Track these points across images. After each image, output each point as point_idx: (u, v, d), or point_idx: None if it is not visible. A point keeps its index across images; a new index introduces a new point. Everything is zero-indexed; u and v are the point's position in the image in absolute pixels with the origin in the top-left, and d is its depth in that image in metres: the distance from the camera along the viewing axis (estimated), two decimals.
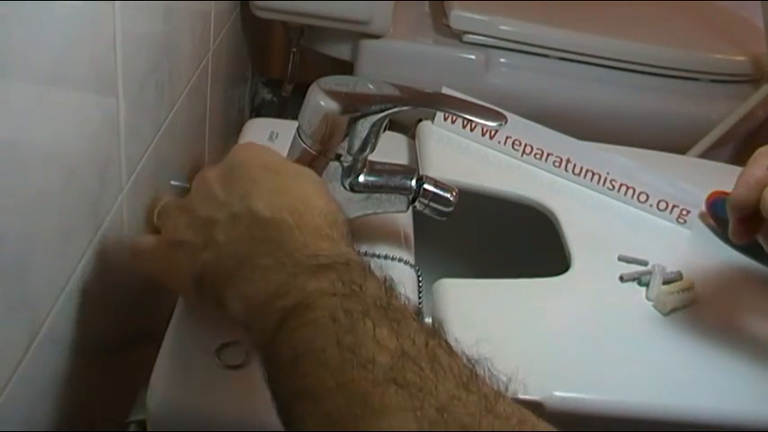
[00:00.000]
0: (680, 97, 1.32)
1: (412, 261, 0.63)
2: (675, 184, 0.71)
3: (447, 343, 0.36)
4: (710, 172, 0.83)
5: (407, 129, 0.84)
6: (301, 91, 0.57)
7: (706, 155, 1.28)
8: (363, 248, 0.61)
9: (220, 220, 0.43)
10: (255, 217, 0.42)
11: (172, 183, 0.77)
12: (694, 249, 0.70)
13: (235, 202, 0.43)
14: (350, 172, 0.57)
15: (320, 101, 0.53)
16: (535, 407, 0.49)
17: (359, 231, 0.62)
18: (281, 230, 0.41)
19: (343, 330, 0.35)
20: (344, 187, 0.57)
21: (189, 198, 0.47)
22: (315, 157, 0.54)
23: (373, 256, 0.61)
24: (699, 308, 0.61)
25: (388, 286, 0.39)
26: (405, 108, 0.54)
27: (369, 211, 0.59)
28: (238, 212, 0.43)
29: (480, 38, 1.28)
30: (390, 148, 0.74)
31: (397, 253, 0.62)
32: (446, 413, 0.31)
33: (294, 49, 1.35)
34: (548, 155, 0.76)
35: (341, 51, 1.30)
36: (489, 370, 0.36)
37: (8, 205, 0.39)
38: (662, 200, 0.72)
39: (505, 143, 0.78)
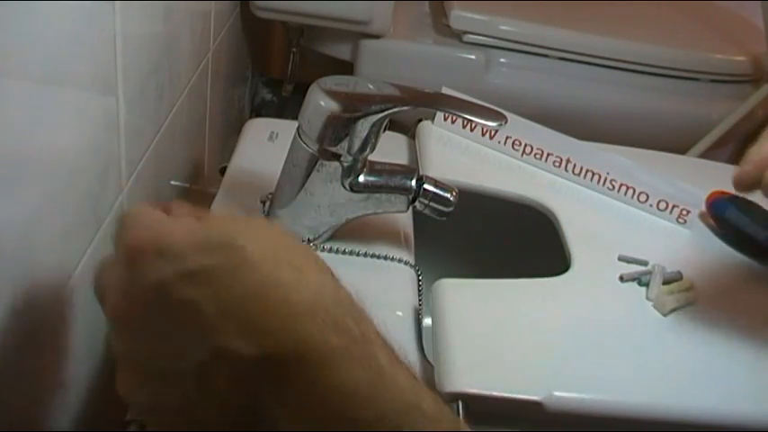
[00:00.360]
0: (680, 97, 1.32)
1: (412, 261, 0.63)
2: (675, 184, 0.71)
3: None
4: (710, 172, 0.83)
5: (407, 129, 0.84)
6: (301, 91, 0.57)
7: (706, 155, 1.28)
8: (363, 248, 0.61)
9: (188, 374, 0.29)
10: (237, 362, 0.28)
11: (172, 183, 0.77)
12: (694, 249, 0.70)
13: (193, 347, 0.29)
14: (350, 172, 0.57)
15: (320, 101, 0.53)
16: (535, 407, 0.49)
17: (359, 231, 0.62)
18: (287, 368, 0.28)
19: None
20: (344, 187, 0.57)
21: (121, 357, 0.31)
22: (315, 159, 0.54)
23: (373, 256, 0.61)
24: (699, 308, 0.61)
25: None
26: (405, 108, 0.54)
27: (369, 211, 0.59)
28: (206, 362, 0.29)
29: (480, 38, 1.27)
30: (390, 148, 0.74)
31: (397, 253, 0.62)
32: None
33: (294, 49, 1.35)
34: (548, 155, 0.76)
35: (341, 51, 1.30)
36: None
37: (8, 205, 0.39)
38: (662, 200, 0.72)
39: (505, 143, 0.78)
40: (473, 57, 1.28)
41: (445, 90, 0.73)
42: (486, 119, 0.55)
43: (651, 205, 0.72)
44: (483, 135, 0.79)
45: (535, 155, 0.77)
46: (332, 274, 0.31)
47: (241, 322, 0.28)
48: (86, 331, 0.56)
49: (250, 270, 0.29)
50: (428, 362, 0.53)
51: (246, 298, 0.28)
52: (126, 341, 0.31)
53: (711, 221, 0.73)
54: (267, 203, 0.62)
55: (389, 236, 0.64)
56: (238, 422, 0.29)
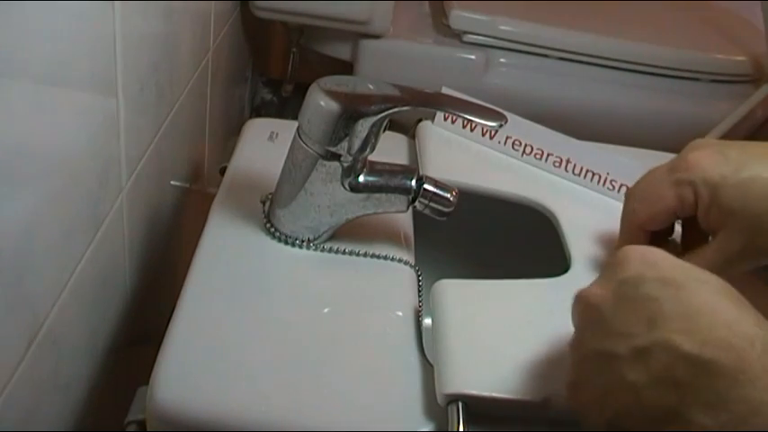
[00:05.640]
0: (680, 97, 1.32)
1: (412, 261, 0.63)
2: None
3: None
4: None
5: (407, 129, 0.84)
6: (301, 91, 0.57)
7: None
8: (363, 248, 0.61)
9: (623, 356, 0.36)
10: (674, 354, 0.35)
11: (172, 183, 0.77)
12: None
13: (638, 332, 0.36)
14: (350, 172, 0.57)
15: (320, 101, 0.53)
16: (535, 408, 0.49)
17: (359, 231, 0.62)
18: (717, 377, 0.33)
19: None
20: (344, 187, 0.57)
21: (577, 329, 0.42)
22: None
23: (373, 256, 0.61)
24: None
25: None
26: (405, 108, 0.54)
27: (369, 211, 0.59)
28: (647, 347, 0.36)
29: (480, 38, 1.28)
30: (390, 148, 0.74)
31: (397, 253, 0.62)
32: None
33: (294, 49, 1.36)
34: (548, 155, 0.76)
35: (341, 51, 1.30)
36: None
37: (8, 206, 0.39)
38: None
39: (505, 143, 0.78)
40: (473, 57, 1.28)
41: (445, 90, 0.73)
42: (486, 119, 0.55)
43: None
44: (483, 135, 0.79)
45: (535, 155, 0.76)
46: (761, 317, 0.38)
47: (692, 326, 0.35)
48: (87, 331, 0.56)
49: (689, 294, 0.37)
50: (428, 362, 0.53)
51: (701, 312, 0.36)
52: (582, 325, 0.41)
53: None
54: (267, 203, 0.62)
55: (389, 236, 0.64)
56: (662, 411, 0.35)
